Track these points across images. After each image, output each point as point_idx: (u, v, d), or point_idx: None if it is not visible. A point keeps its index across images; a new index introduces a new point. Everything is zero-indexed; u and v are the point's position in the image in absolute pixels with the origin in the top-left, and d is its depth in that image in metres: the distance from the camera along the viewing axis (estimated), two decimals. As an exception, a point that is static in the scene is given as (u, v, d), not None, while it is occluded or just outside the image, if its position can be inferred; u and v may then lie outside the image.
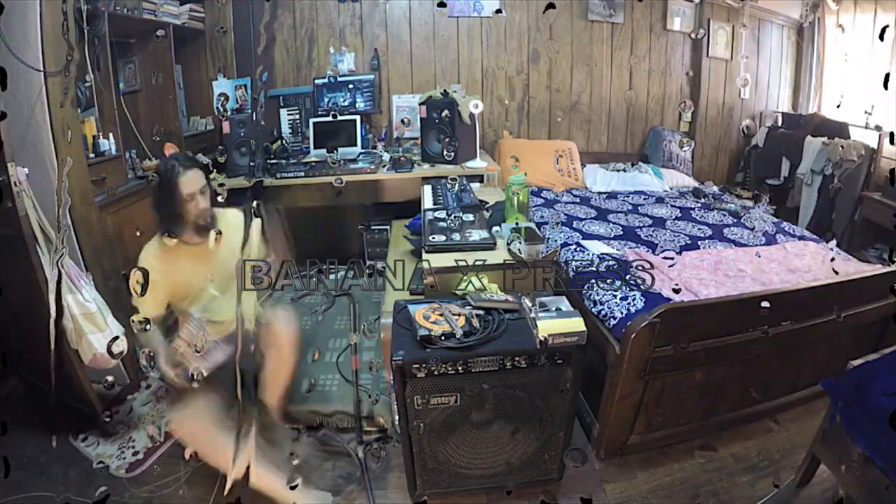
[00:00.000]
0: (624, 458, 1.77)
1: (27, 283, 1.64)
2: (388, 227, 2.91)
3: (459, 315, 1.47)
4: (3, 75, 1.42)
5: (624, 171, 3.42)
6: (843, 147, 3.13)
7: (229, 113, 2.90)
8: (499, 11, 3.35)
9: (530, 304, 1.50)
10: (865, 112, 3.19)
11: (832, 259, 2.12)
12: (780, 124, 3.70)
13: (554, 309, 1.47)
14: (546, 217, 2.70)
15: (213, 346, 1.64)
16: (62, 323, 1.68)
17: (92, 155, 2.12)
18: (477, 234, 1.88)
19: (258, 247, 1.74)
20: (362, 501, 1.64)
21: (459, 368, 1.39)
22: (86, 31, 2.01)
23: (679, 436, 1.82)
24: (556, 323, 1.41)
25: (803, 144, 3.39)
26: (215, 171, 2.82)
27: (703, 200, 3.04)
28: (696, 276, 1.96)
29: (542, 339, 1.39)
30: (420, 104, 2.89)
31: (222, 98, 2.92)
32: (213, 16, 3.04)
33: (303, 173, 2.79)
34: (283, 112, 3.31)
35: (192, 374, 1.52)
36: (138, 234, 2.32)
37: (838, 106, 3.35)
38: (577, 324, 1.42)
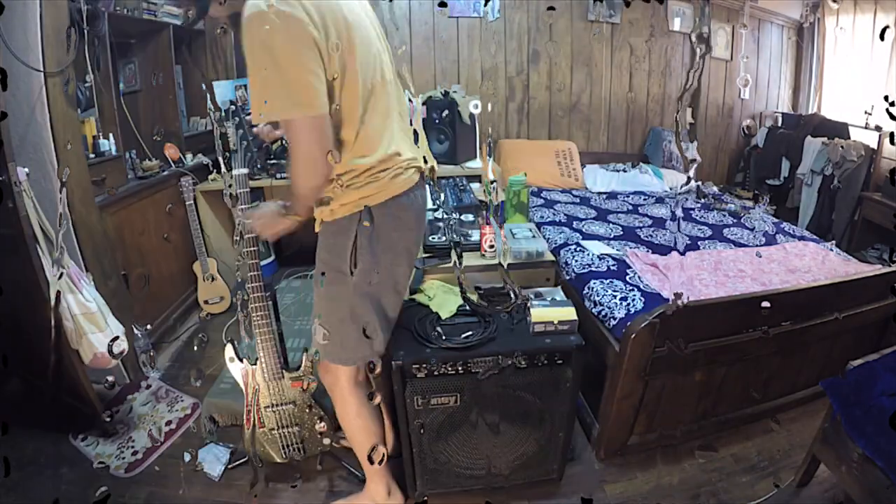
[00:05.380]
0: (624, 458, 1.77)
1: (27, 283, 1.64)
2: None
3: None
4: (3, 75, 1.42)
5: (624, 171, 3.43)
6: (843, 147, 3.13)
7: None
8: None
9: (526, 295, 1.51)
10: (865, 112, 3.20)
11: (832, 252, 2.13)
12: (780, 124, 3.70)
13: (549, 299, 1.51)
14: (546, 217, 2.70)
15: None
16: (62, 323, 1.68)
17: (92, 155, 2.13)
18: (477, 235, 1.88)
19: None
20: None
21: (459, 368, 1.39)
22: (86, 32, 2.01)
23: (679, 436, 1.81)
24: (550, 311, 1.44)
25: (803, 144, 3.39)
26: (215, 171, 2.83)
27: (703, 201, 3.04)
28: (696, 276, 1.96)
29: (536, 325, 1.43)
30: (420, 104, 2.89)
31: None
32: (213, 16, 3.04)
33: (303, 173, 2.79)
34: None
35: None
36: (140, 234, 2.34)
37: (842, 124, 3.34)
38: (569, 312, 1.45)
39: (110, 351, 1.72)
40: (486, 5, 3.33)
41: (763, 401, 1.88)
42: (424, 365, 1.37)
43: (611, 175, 3.37)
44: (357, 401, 1.39)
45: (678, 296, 1.46)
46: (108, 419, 1.89)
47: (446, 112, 2.77)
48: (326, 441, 1.63)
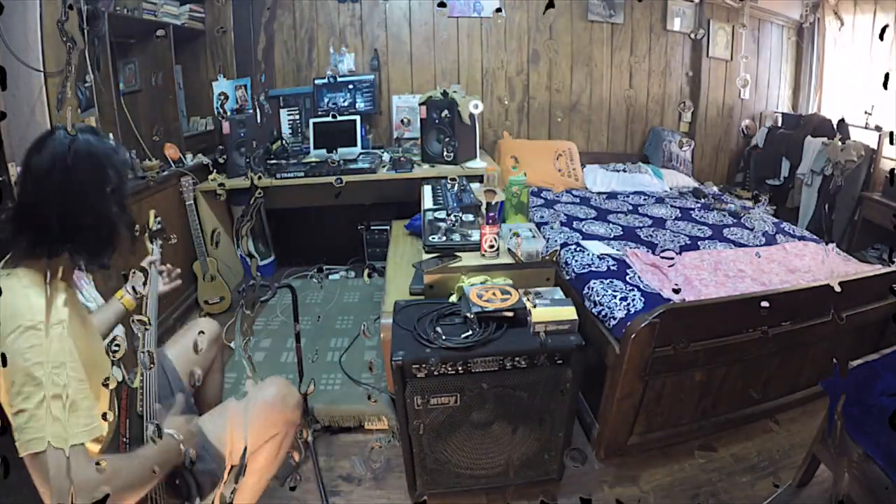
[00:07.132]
0: (624, 458, 1.77)
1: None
2: (388, 227, 2.92)
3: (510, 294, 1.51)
4: (3, 75, 1.42)
5: (624, 171, 3.43)
6: (843, 147, 3.13)
7: (229, 113, 2.90)
8: (498, 10, 3.36)
9: (524, 295, 1.52)
10: (865, 112, 3.19)
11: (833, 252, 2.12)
12: (780, 124, 3.70)
13: (548, 299, 1.50)
14: (546, 217, 2.70)
15: None
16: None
17: (92, 155, 2.12)
18: (477, 235, 1.87)
19: None
20: (361, 502, 1.64)
21: (459, 368, 1.39)
22: (86, 31, 2.01)
23: (679, 436, 1.81)
24: (549, 311, 1.44)
25: (803, 144, 3.39)
26: (215, 171, 2.84)
27: (702, 201, 3.04)
28: (696, 276, 1.96)
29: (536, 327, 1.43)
30: (420, 104, 2.89)
31: (222, 98, 2.92)
32: (213, 16, 3.04)
33: (303, 174, 2.79)
34: (283, 112, 3.32)
35: None
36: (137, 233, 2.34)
37: (841, 121, 3.35)
38: (569, 312, 1.45)
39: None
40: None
41: (763, 401, 1.88)
42: (424, 365, 1.37)
43: (611, 175, 3.38)
44: None
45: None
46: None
47: (446, 112, 2.77)
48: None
